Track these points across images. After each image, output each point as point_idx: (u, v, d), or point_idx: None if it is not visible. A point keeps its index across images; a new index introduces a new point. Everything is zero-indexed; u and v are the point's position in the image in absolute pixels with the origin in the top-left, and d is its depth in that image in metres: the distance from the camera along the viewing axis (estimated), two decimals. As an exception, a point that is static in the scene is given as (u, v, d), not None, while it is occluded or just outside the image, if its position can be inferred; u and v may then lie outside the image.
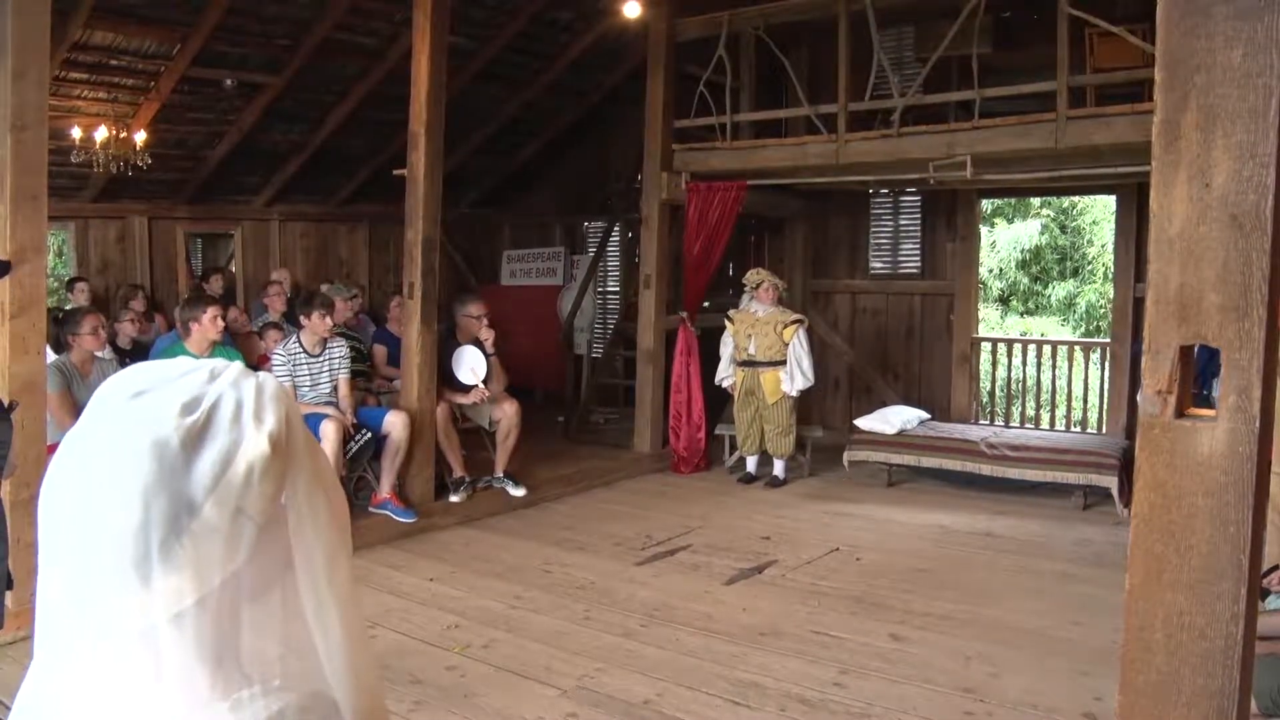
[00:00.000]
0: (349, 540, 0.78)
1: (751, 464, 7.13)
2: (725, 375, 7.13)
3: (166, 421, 0.68)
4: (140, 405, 0.69)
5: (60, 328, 5.11)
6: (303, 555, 0.72)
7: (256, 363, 6.31)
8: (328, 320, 5.65)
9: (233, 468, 0.68)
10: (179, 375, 0.71)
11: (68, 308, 6.79)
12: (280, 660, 0.74)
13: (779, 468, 7.02)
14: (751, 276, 7.08)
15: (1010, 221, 14.20)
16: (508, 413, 6.28)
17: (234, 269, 8.92)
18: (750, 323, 6.91)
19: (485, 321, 6.30)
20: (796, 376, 6.75)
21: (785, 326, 6.80)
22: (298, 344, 5.61)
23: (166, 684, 0.68)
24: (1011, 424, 7.85)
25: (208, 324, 5.17)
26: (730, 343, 7.06)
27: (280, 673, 0.73)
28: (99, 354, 5.07)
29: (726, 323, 7.10)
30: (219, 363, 0.74)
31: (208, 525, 0.67)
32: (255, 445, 0.69)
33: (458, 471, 6.20)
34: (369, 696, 0.77)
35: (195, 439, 0.68)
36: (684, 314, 7.52)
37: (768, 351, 6.82)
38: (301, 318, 5.64)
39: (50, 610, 0.69)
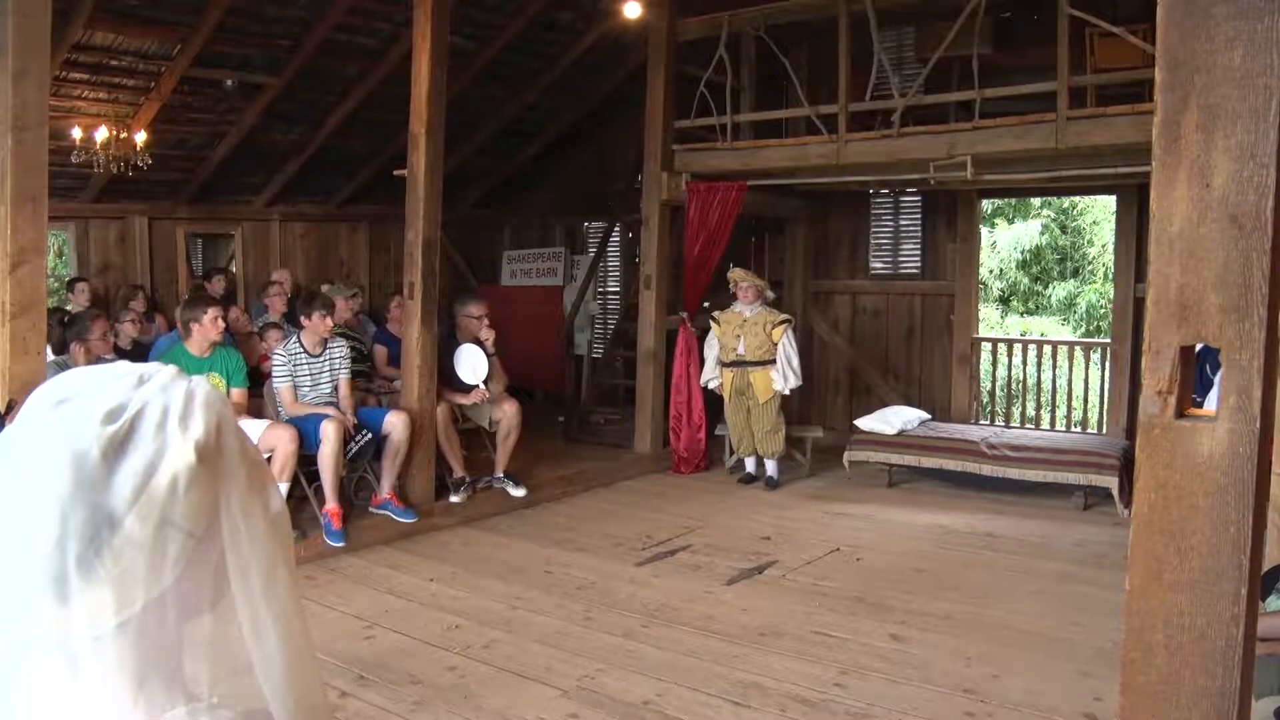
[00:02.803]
0: (290, 552, 0.75)
1: (751, 464, 7.13)
2: (711, 377, 7.12)
3: (87, 431, 0.65)
4: (62, 414, 0.66)
5: (67, 330, 5.12)
6: (238, 568, 0.69)
7: (258, 363, 6.31)
8: (329, 321, 5.65)
9: (156, 478, 0.65)
10: (106, 382, 0.68)
11: (70, 307, 6.81)
12: (215, 678, 0.71)
13: (771, 468, 7.00)
14: (731, 275, 7.08)
15: (1010, 222, 14.19)
16: (508, 413, 6.28)
17: (234, 269, 8.92)
18: (738, 323, 6.89)
19: (486, 322, 6.30)
20: (788, 375, 6.75)
21: (774, 326, 6.79)
22: (298, 344, 5.61)
23: (86, 705, 0.65)
24: (1012, 424, 7.85)
25: (208, 325, 5.17)
26: (715, 344, 7.05)
27: (216, 691, 0.70)
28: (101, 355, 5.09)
29: (711, 324, 7.09)
30: (150, 368, 0.70)
31: (130, 539, 0.64)
32: (180, 454, 0.66)
33: (458, 472, 6.20)
34: (311, 713, 0.73)
35: (116, 449, 0.65)
36: (684, 314, 7.51)
37: (757, 351, 6.80)
38: (302, 318, 5.64)
39: None
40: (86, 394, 0.67)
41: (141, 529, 0.65)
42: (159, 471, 0.65)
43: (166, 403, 0.68)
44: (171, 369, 0.71)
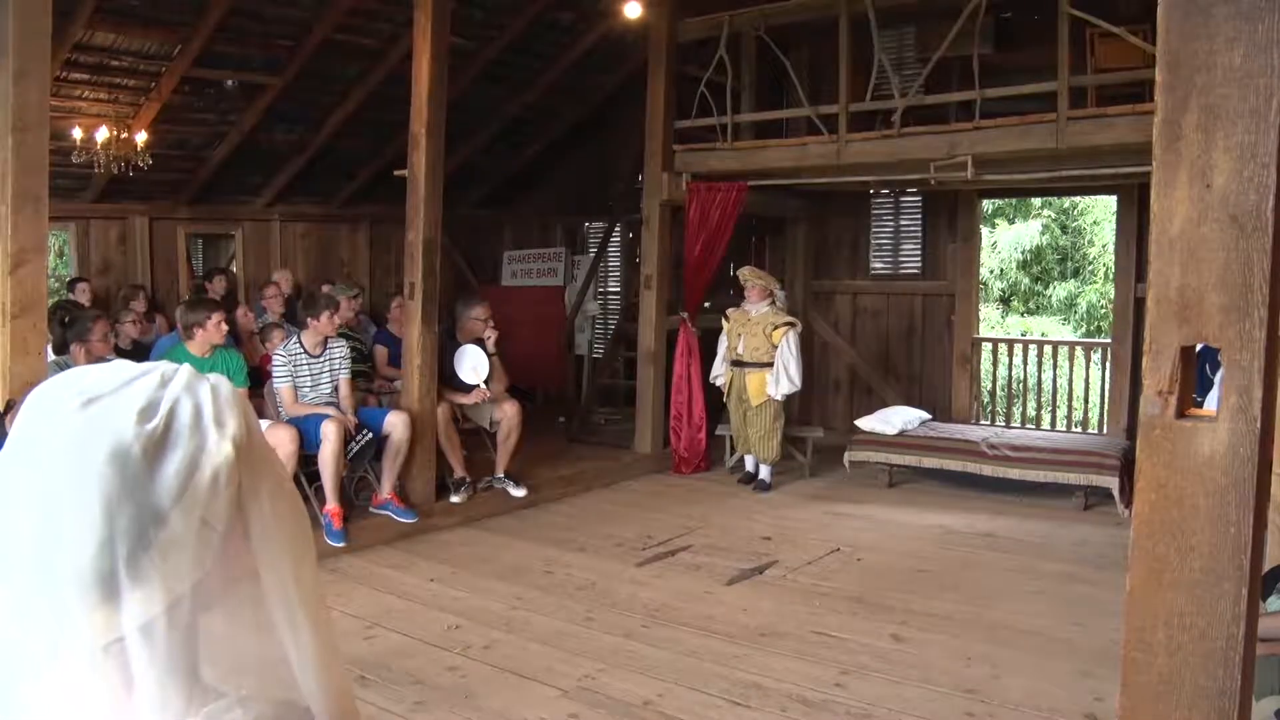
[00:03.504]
0: (312, 543, 0.76)
1: (751, 464, 7.12)
2: (718, 374, 7.12)
3: (125, 430, 0.65)
4: (94, 413, 0.65)
5: (68, 330, 5.11)
6: (269, 560, 0.70)
7: (260, 362, 6.31)
8: (335, 320, 5.67)
9: (198, 475, 0.66)
10: (129, 380, 0.68)
11: (71, 299, 6.80)
12: (249, 669, 0.72)
13: (764, 472, 6.97)
14: (739, 274, 7.06)
15: (1011, 222, 14.20)
16: (509, 413, 6.28)
17: (235, 270, 8.92)
18: (743, 322, 6.88)
19: (491, 324, 6.30)
20: (782, 380, 6.66)
21: (775, 329, 6.73)
22: (298, 344, 5.61)
23: (138, 700, 0.65)
24: (1012, 424, 7.85)
25: (212, 329, 5.19)
26: (724, 342, 7.06)
27: (250, 682, 0.71)
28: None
29: (723, 320, 7.10)
30: (168, 366, 0.70)
31: (174, 535, 0.65)
32: (220, 451, 0.67)
33: (459, 472, 6.20)
34: (340, 700, 0.75)
35: (157, 447, 0.65)
36: (685, 314, 7.51)
37: (754, 353, 6.78)
38: (309, 320, 5.63)
39: None
40: (113, 393, 0.67)
41: (185, 525, 0.66)
42: (201, 468, 0.66)
43: (198, 401, 0.68)
44: (187, 368, 0.71)
